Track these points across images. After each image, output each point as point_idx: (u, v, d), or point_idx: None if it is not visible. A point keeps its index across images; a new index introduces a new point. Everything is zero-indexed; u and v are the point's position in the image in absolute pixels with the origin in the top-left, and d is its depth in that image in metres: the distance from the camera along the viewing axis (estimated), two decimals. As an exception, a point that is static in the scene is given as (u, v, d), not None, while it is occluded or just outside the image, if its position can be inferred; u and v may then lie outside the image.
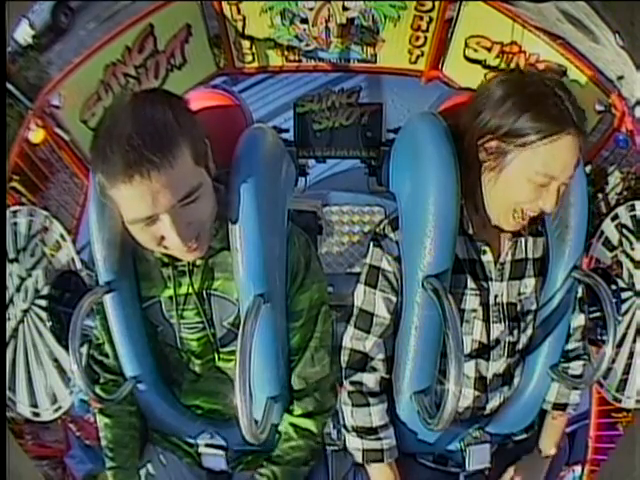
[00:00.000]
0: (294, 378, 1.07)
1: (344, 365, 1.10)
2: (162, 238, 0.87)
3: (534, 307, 1.07)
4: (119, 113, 0.82)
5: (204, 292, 1.02)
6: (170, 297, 1.03)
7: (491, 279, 1.04)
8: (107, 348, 1.10)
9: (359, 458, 1.10)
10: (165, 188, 0.80)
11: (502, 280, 1.04)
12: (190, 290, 1.02)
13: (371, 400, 1.08)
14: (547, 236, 1.06)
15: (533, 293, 1.06)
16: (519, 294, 1.06)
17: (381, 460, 1.09)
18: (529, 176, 0.92)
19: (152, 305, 1.05)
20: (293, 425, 1.08)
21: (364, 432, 1.08)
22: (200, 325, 1.04)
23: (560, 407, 1.16)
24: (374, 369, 1.08)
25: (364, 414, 1.08)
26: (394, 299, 1.05)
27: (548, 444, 1.17)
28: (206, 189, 0.88)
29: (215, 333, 1.05)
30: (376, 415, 1.08)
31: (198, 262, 1.00)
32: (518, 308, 1.06)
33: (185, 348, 1.07)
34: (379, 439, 1.08)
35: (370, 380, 1.08)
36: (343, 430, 1.13)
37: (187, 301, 1.03)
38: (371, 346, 1.07)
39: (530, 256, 1.06)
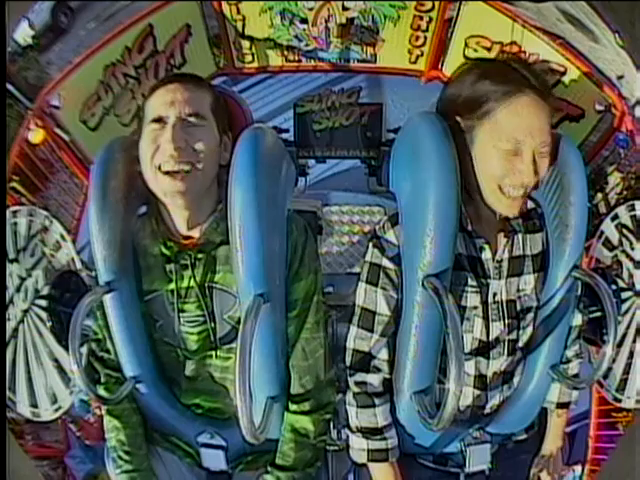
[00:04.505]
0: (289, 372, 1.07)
1: (348, 365, 1.10)
2: (157, 149, 0.98)
3: (534, 304, 1.07)
4: None
5: (205, 285, 1.03)
6: (172, 290, 1.04)
7: (490, 277, 1.04)
8: (108, 344, 1.10)
9: (364, 458, 1.09)
10: (182, 101, 1.00)
11: (500, 278, 1.04)
12: (192, 283, 1.03)
13: (376, 401, 1.08)
14: (546, 232, 1.06)
15: (533, 290, 1.07)
16: (518, 291, 1.06)
17: (386, 459, 1.09)
18: (495, 144, 0.94)
19: (154, 298, 1.06)
20: (290, 425, 1.09)
21: (369, 432, 1.08)
22: (201, 319, 1.05)
23: (564, 406, 1.16)
24: (378, 369, 1.08)
25: (369, 415, 1.08)
26: (395, 296, 1.05)
27: (555, 439, 1.20)
28: (210, 134, 1.02)
29: (215, 327, 1.06)
30: (381, 415, 1.08)
31: (200, 255, 1.02)
32: (518, 305, 1.06)
33: (183, 345, 1.07)
34: (384, 439, 1.08)
35: (375, 380, 1.08)
36: (347, 430, 1.12)
37: (188, 294, 1.04)
38: (375, 345, 1.07)
39: (528, 252, 1.06)
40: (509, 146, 0.94)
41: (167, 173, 0.97)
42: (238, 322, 1.03)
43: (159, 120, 0.99)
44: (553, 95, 1.00)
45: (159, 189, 0.99)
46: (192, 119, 1.00)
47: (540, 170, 0.96)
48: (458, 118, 0.99)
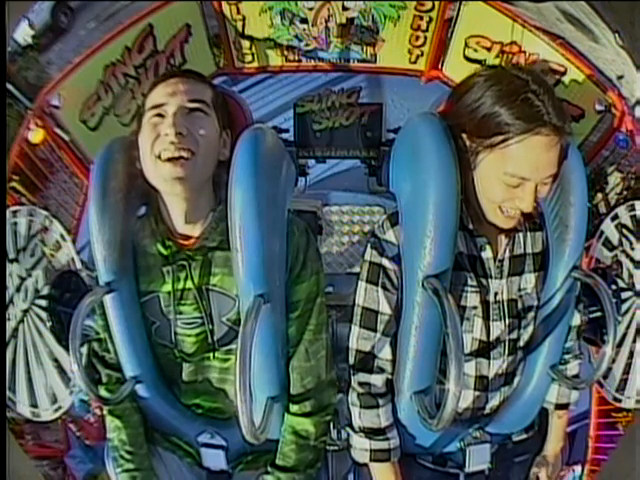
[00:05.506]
0: (289, 373, 1.07)
1: (351, 365, 1.09)
2: (157, 137, 0.97)
3: (535, 303, 1.07)
4: None
5: (203, 287, 1.03)
6: (169, 292, 1.04)
7: (491, 276, 1.04)
8: (108, 344, 1.10)
9: (366, 458, 1.09)
10: (183, 91, 1.01)
11: (502, 277, 1.04)
12: (189, 285, 1.03)
13: (380, 401, 1.08)
14: (546, 231, 1.06)
15: (534, 289, 1.06)
16: (519, 290, 1.06)
17: (388, 460, 1.09)
18: (499, 177, 0.93)
19: (151, 300, 1.06)
20: (291, 427, 1.08)
21: (372, 433, 1.08)
22: (199, 320, 1.05)
23: (562, 407, 1.16)
24: (381, 369, 1.07)
25: (372, 415, 1.08)
26: (395, 295, 1.05)
27: (556, 440, 1.19)
28: (211, 124, 1.02)
29: (213, 329, 1.05)
30: (383, 416, 1.08)
31: (197, 257, 1.02)
32: (519, 305, 1.06)
33: (179, 347, 1.07)
34: (387, 439, 1.08)
35: (378, 381, 1.08)
36: (349, 430, 1.12)
37: (186, 296, 1.04)
38: (378, 345, 1.06)
39: (529, 251, 1.06)
40: (513, 182, 0.92)
41: (167, 160, 0.96)
42: (236, 324, 1.03)
43: (160, 108, 1.00)
44: (570, 127, 0.94)
45: (159, 177, 0.98)
46: (193, 105, 1.00)
47: (540, 195, 0.96)
48: (464, 135, 0.96)
